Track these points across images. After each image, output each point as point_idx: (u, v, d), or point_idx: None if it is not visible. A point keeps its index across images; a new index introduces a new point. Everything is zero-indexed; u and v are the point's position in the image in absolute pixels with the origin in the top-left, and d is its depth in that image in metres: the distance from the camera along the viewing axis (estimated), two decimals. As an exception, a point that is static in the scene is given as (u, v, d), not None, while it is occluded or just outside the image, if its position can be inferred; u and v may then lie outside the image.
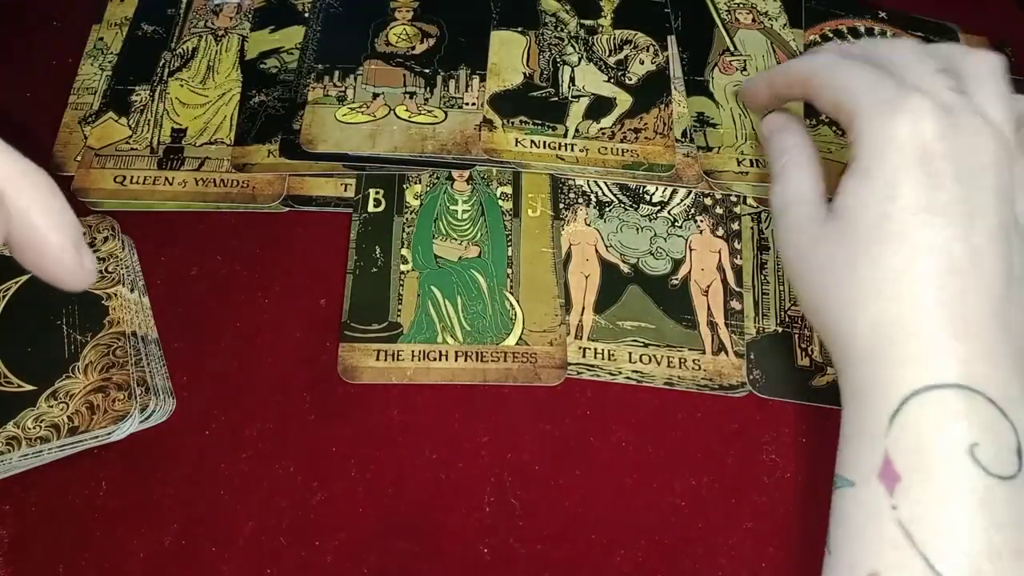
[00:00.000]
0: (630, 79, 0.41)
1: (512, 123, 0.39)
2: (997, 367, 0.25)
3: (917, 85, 0.28)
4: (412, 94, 0.40)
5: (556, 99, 0.40)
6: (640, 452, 0.33)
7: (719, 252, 0.37)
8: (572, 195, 0.39)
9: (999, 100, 0.28)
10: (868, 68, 0.29)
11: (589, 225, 0.38)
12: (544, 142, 0.39)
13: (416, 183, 0.38)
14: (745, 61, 0.42)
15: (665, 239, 0.38)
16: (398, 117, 0.39)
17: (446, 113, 0.39)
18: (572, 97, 0.41)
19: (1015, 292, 0.26)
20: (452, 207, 0.38)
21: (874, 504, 0.24)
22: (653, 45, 0.43)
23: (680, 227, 0.38)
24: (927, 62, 0.29)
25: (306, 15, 0.43)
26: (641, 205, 0.39)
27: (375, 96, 0.40)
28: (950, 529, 0.23)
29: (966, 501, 0.23)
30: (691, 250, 0.38)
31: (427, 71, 0.41)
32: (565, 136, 0.39)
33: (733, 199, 0.39)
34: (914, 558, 0.23)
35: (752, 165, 0.39)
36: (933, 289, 0.25)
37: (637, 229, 0.38)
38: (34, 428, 0.31)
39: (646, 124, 0.40)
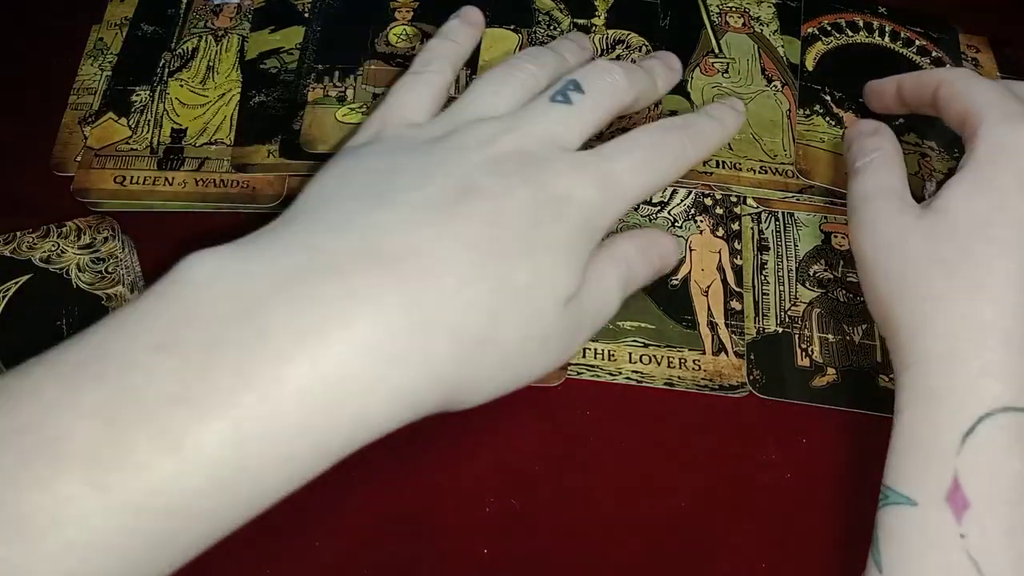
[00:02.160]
0: None
1: None
2: None
3: None
4: (412, 94, 0.40)
5: None
6: (640, 452, 0.33)
7: (719, 252, 0.37)
8: (572, 195, 0.39)
9: None
10: (999, 87, 0.30)
11: (589, 225, 0.38)
12: None
13: (416, 183, 0.38)
14: (728, 64, 0.42)
15: (665, 239, 0.38)
16: (398, 117, 0.39)
17: (446, 113, 0.39)
18: None
19: None
20: (452, 207, 0.38)
21: (940, 529, 0.23)
22: (646, 45, 0.43)
23: (680, 227, 0.38)
24: None
25: (306, 15, 0.43)
26: (641, 205, 0.39)
27: (375, 96, 0.40)
28: (1022, 563, 0.22)
29: None
30: (691, 250, 0.38)
31: (427, 71, 0.41)
32: None
33: (733, 199, 0.39)
34: None
35: (716, 166, 0.39)
36: None
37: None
38: (34, 428, 0.31)
39: (634, 124, 0.40)
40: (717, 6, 0.44)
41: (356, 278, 0.22)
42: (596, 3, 0.44)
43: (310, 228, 0.24)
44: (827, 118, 0.41)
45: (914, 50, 0.44)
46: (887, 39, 0.44)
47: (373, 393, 0.22)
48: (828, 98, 0.42)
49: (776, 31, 0.44)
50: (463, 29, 0.37)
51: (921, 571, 0.24)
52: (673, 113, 0.40)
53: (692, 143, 0.31)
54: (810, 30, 0.44)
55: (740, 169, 0.39)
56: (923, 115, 0.35)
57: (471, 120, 0.29)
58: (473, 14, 0.37)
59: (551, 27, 0.43)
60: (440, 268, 0.23)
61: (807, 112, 0.41)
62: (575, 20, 0.43)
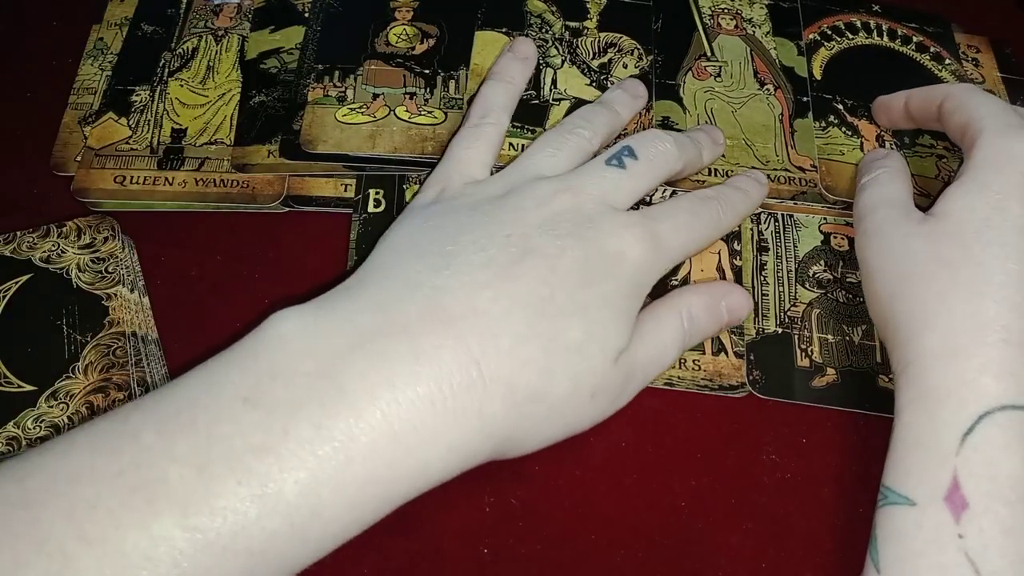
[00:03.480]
0: (613, 83, 0.41)
1: None
2: None
3: None
4: (412, 95, 0.40)
5: (537, 102, 0.40)
6: (640, 452, 0.33)
7: (719, 253, 0.37)
8: (572, 195, 0.39)
9: None
10: (1000, 101, 0.32)
11: (589, 225, 0.38)
12: (521, 145, 0.38)
13: (416, 184, 0.38)
14: (720, 67, 0.42)
15: (665, 239, 0.38)
16: (398, 118, 0.39)
17: (446, 114, 0.39)
18: (553, 100, 0.40)
19: None
20: (452, 207, 0.38)
21: (938, 529, 0.23)
22: (637, 48, 0.43)
23: (680, 227, 0.38)
24: None
25: (306, 15, 0.43)
26: (641, 206, 0.39)
27: (375, 97, 0.40)
28: (1020, 564, 0.22)
29: None
30: (691, 250, 0.38)
31: (427, 71, 0.41)
32: None
33: (733, 199, 0.39)
34: None
35: (708, 174, 0.39)
36: None
37: (637, 229, 0.38)
38: (34, 428, 0.31)
39: (626, 130, 0.39)
40: (709, 8, 0.44)
41: (422, 338, 0.24)
42: (588, 6, 0.44)
43: (382, 289, 0.26)
44: (843, 128, 0.41)
45: (913, 47, 0.44)
46: (885, 38, 0.45)
47: (433, 446, 0.24)
48: (841, 107, 0.41)
49: (768, 33, 0.44)
50: (516, 65, 0.38)
51: (918, 571, 0.24)
52: (666, 119, 0.40)
53: (723, 211, 0.33)
54: (811, 36, 0.44)
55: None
56: None
57: (529, 179, 0.30)
58: (524, 47, 0.39)
59: (542, 29, 0.43)
60: (497, 328, 0.25)
61: (823, 125, 0.41)
62: (567, 23, 0.43)
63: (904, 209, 0.31)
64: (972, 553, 0.23)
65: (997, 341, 0.25)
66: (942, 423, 0.25)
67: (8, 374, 0.32)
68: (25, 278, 0.34)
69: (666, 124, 0.40)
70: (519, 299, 0.25)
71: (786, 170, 0.39)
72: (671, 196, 0.35)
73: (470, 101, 0.38)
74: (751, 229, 0.38)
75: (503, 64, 0.38)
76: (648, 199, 0.37)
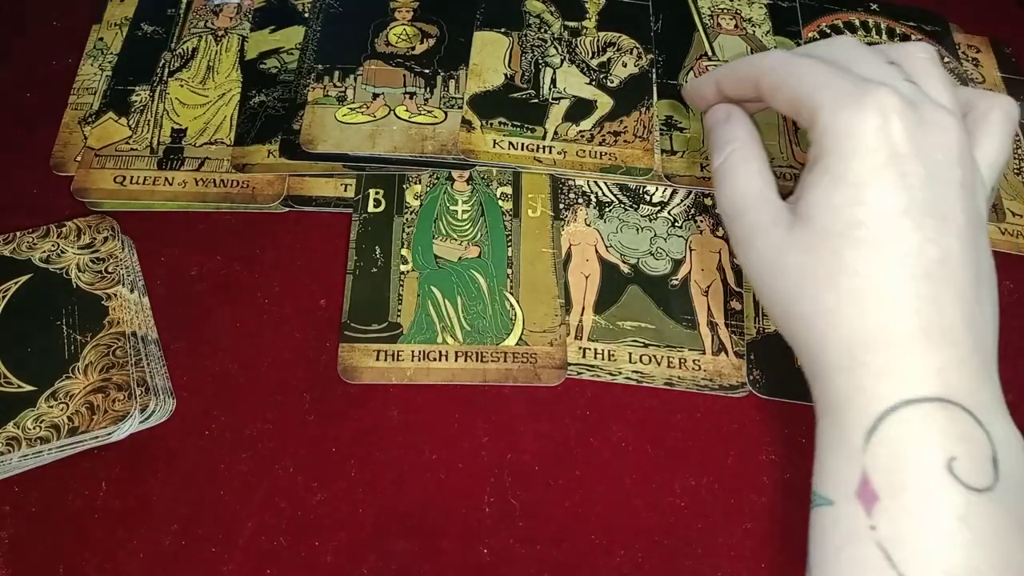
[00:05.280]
0: (612, 82, 0.41)
1: (491, 124, 0.39)
2: (971, 375, 0.24)
3: (874, 77, 0.26)
4: (412, 94, 0.40)
5: (536, 101, 0.40)
6: (640, 452, 0.33)
7: (719, 252, 0.37)
8: (572, 195, 0.39)
9: (946, 89, 0.27)
10: (822, 63, 0.27)
11: (589, 225, 0.38)
12: (522, 144, 0.39)
13: (416, 183, 0.38)
14: None
15: (665, 239, 0.38)
16: (398, 117, 0.39)
17: (446, 113, 0.39)
18: (552, 99, 0.40)
19: (984, 291, 0.26)
20: (452, 207, 0.38)
21: (852, 524, 0.24)
22: (637, 47, 0.43)
23: (680, 227, 0.38)
24: (876, 54, 0.28)
25: (306, 15, 0.43)
26: (641, 205, 0.39)
27: (375, 96, 0.40)
28: (929, 548, 0.22)
29: (945, 519, 0.22)
30: (691, 250, 0.38)
31: (427, 71, 0.41)
32: (543, 138, 0.39)
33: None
34: None
35: None
36: (911, 297, 0.24)
37: (637, 229, 0.38)
38: (34, 428, 0.31)
39: (626, 127, 0.40)
40: (708, 8, 0.44)
41: None
42: (587, 5, 0.44)
43: None
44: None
45: None
46: (884, 36, 0.45)
47: None
48: None
49: (768, 32, 0.44)
50: None
51: (838, 566, 0.24)
52: (668, 119, 0.40)
53: None
54: (811, 34, 0.44)
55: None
56: None
57: None
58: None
59: (541, 29, 0.43)
60: None
61: None
62: (566, 22, 0.43)
63: (773, 208, 0.28)
64: (885, 542, 0.23)
65: (887, 345, 0.24)
66: (849, 426, 0.25)
67: (8, 374, 0.32)
68: (25, 278, 0.34)
69: (669, 124, 0.40)
70: None
71: (791, 167, 0.39)
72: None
73: (470, 101, 0.38)
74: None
75: None
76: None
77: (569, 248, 0.37)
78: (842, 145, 0.26)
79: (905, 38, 0.44)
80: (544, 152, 0.39)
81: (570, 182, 0.39)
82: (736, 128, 0.31)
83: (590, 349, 0.35)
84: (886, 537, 0.23)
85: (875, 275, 0.25)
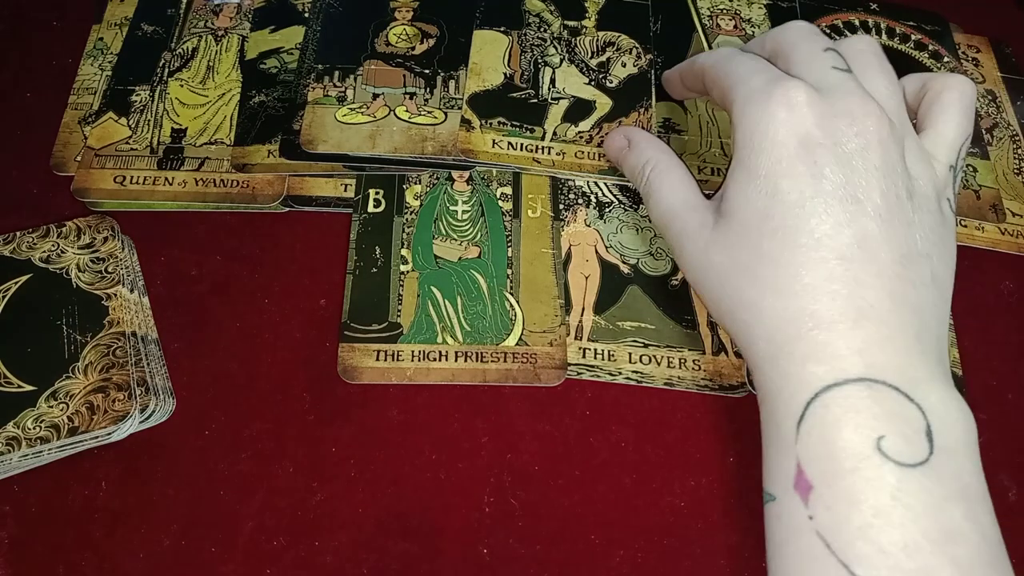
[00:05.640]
0: (611, 82, 0.41)
1: (490, 124, 0.39)
2: (898, 351, 0.24)
3: (798, 70, 0.27)
4: (412, 94, 0.40)
5: (535, 101, 0.40)
6: (640, 452, 0.33)
7: (719, 252, 0.37)
8: (572, 196, 0.39)
9: (883, 75, 0.28)
10: (750, 58, 0.29)
11: (589, 226, 0.38)
12: (521, 144, 0.39)
13: (416, 183, 0.38)
14: None
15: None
16: (398, 118, 0.39)
17: (446, 114, 0.39)
18: (552, 99, 0.40)
19: (916, 269, 0.25)
20: (452, 207, 0.38)
21: (793, 516, 0.24)
22: (636, 47, 0.43)
23: (680, 227, 0.38)
24: (816, 41, 0.28)
25: (306, 15, 0.43)
26: (641, 205, 0.39)
27: (375, 96, 0.40)
28: (865, 530, 0.22)
29: (878, 498, 0.22)
30: (691, 250, 0.38)
31: (427, 71, 0.41)
32: (542, 139, 0.39)
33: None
34: (836, 567, 0.22)
35: (712, 173, 0.39)
36: (825, 280, 0.25)
37: (637, 229, 0.38)
38: (34, 428, 0.31)
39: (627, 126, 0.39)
40: (708, 8, 0.44)
41: None
42: (586, 5, 0.44)
43: None
44: None
45: (911, 45, 0.44)
46: (884, 36, 0.45)
47: None
48: None
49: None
50: None
51: (785, 560, 0.24)
52: (667, 121, 0.40)
53: None
54: None
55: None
56: None
57: None
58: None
59: (541, 28, 0.43)
60: None
61: None
62: (566, 22, 0.43)
63: (698, 212, 0.29)
64: (823, 531, 0.23)
65: (808, 331, 0.25)
66: (780, 417, 0.25)
67: (8, 374, 0.32)
68: (25, 278, 0.34)
69: (667, 126, 0.40)
70: None
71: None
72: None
73: (470, 100, 0.38)
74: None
75: None
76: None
77: (569, 248, 0.37)
78: (751, 139, 0.26)
79: (905, 38, 0.44)
80: (543, 153, 0.39)
81: (570, 182, 0.39)
82: (644, 150, 0.32)
83: (590, 349, 0.35)
84: (824, 526, 0.23)
85: (790, 262, 0.25)
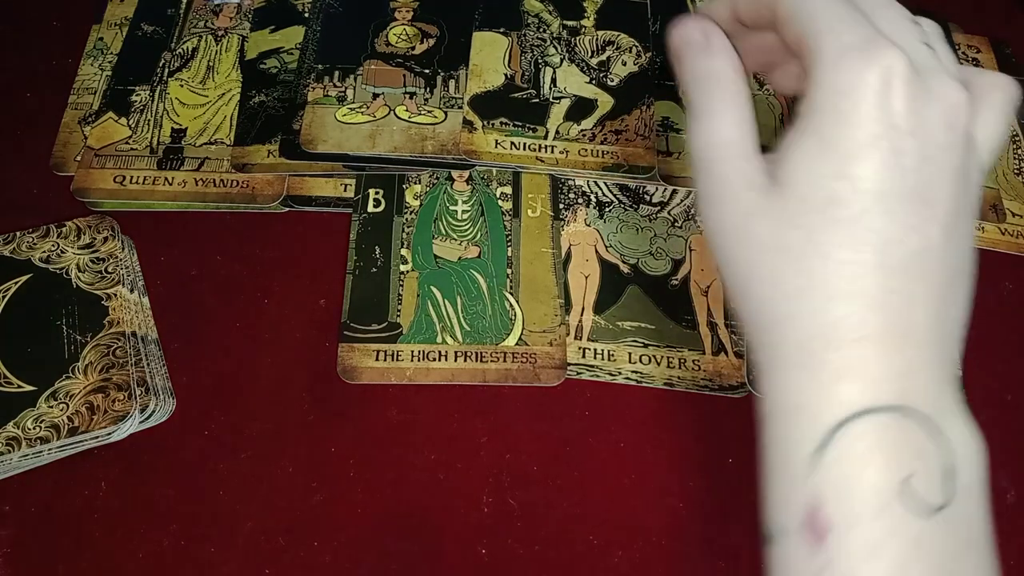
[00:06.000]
0: (612, 80, 0.41)
1: (492, 124, 0.39)
2: (932, 378, 0.22)
3: (890, 34, 0.23)
4: (412, 94, 0.40)
5: (537, 100, 0.40)
6: (639, 452, 0.33)
7: (719, 252, 0.37)
8: (572, 195, 0.39)
9: (954, 64, 0.24)
10: (841, 4, 0.23)
11: (589, 225, 0.38)
12: (524, 144, 0.39)
13: (416, 183, 0.38)
14: None
15: (665, 239, 0.38)
16: (398, 117, 0.39)
17: (446, 113, 0.39)
18: (553, 98, 0.40)
19: (959, 288, 0.23)
20: (452, 207, 0.38)
21: (803, 559, 0.21)
22: (636, 46, 0.43)
23: (680, 227, 0.38)
24: (900, 7, 0.24)
25: (306, 15, 0.43)
26: (641, 205, 0.39)
27: (375, 96, 0.40)
28: None
29: (902, 548, 0.20)
30: (691, 250, 0.38)
31: (427, 71, 0.41)
32: (545, 138, 0.39)
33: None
34: None
35: None
36: (881, 291, 0.22)
37: (637, 229, 0.38)
38: (34, 428, 0.31)
39: (627, 126, 0.40)
40: None
41: None
42: (585, 5, 0.44)
43: None
44: None
45: None
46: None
47: None
48: None
49: None
50: None
51: None
52: (666, 120, 0.40)
53: None
54: None
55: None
56: None
57: None
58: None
59: (540, 29, 0.43)
60: None
61: None
62: (564, 22, 0.43)
63: (749, 165, 0.24)
64: None
65: (851, 342, 0.22)
66: (795, 440, 0.22)
67: (8, 374, 0.32)
68: (25, 278, 0.34)
69: (666, 125, 0.40)
70: None
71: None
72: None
73: (471, 101, 0.38)
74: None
75: None
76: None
77: (569, 248, 0.37)
78: (836, 105, 0.22)
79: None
80: (546, 152, 0.39)
81: (570, 182, 0.39)
82: (716, 58, 0.25)
83: (590, 349, 0.35)
84: (843, 573, 0.21)
85: (847, 261, 0.22)
